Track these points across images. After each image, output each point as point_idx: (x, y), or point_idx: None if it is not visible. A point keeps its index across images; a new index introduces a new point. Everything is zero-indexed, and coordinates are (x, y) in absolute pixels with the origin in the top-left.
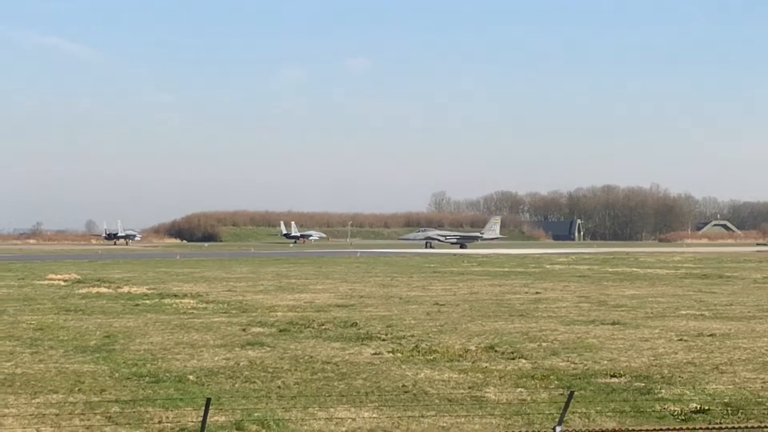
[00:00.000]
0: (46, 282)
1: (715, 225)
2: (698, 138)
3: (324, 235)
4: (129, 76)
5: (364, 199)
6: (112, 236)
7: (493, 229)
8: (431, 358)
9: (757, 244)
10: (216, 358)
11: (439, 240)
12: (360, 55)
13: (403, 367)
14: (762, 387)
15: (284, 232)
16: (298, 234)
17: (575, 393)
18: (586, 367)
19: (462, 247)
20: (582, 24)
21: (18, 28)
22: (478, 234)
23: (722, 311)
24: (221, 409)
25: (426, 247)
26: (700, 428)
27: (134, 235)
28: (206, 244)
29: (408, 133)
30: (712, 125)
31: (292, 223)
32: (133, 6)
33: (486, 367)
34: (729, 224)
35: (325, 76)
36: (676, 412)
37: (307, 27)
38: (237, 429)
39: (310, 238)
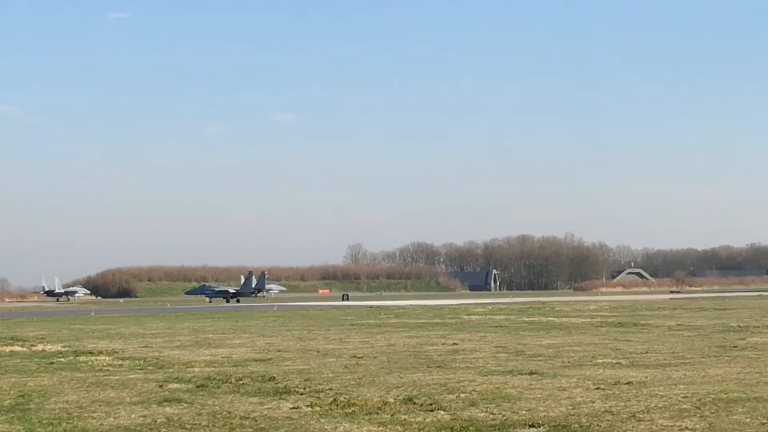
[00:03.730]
0: None
1: (629, 273)
2: (612, 187)
3: (284, 288)
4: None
5: (281, 253)
6: (51, 293)
7: (242, 283)
8: (350, 411)
9: (671, 292)
10: (133, 416)
11: (217, 295)
12: (283, 110)
13: (322, 420)
14: None
15: (255, 285)
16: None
17: None
18: (504, 418)
19: (233, 300)
20: (498, 77)
21: None
22: (227, 287)
23: (638, 359)
24: None
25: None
26: None
27: (75, 291)
28: (121, 299)
29: (325, 186)
30: (626, 174)
31: (252, 275)
32: (56, 63)
33: (405, 419)
34: (643, 272)
35: (248, 131)
36: None
37: (232, 82)
38: None
39: (271, 291)
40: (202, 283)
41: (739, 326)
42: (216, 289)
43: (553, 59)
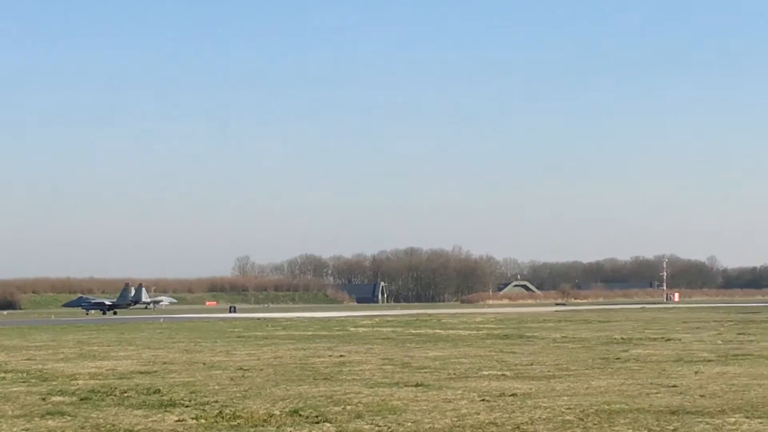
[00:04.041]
0: None
1: (515, 285)
2: (498, 200)
3: (175, 300)
4: None
5: (168, 265)
6: None
7: (119, 295)
8: (235, 423)
9: (557, 304)
10: (15, 429)
11: (93, 307)
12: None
13: None
14: None
15: (132, 297)
16: (149, 300)
17: None
18: (390, 430)
19: (110, 312)
20: (372, 88)
21: None
22: (103, 300)
23: (523, 371)
24: None
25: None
26: None
27: None
28: (5, 311)
29: (213, 195)
30: (508, 187)
31: (128, 286)
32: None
33: (290, 431)
34: (529, 285)
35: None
36: None
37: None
38: None
39: (161, 303)
40: (80, 295)
41: (622, 338)
42: (92, 301)
43: None
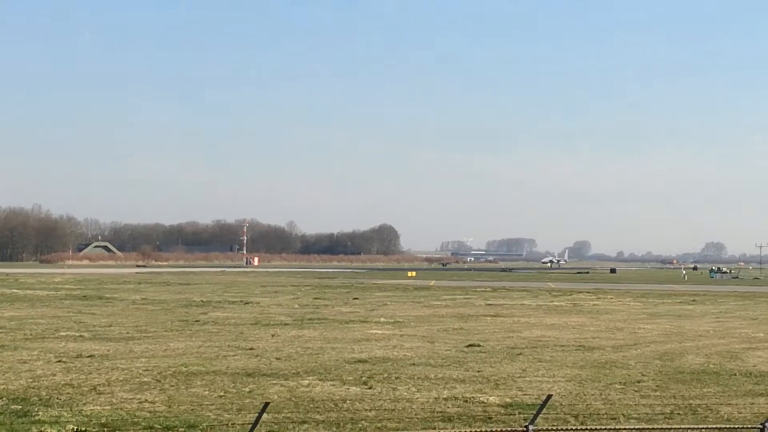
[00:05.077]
0: None
1: (96, 246)
2: (81, 158)
3: None
4: None
5: None
6: None
7: None
8: None
9: (138, 266)
10: None
11: None
12: None
13: None
14: (138, 407)
15: None
16: None
17: None
18: None
19: None
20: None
21: None
22: None
23: (102, 332)
24: None
25: None
26: None
27: None
28: None
29: None
30: (103, 147)
31: None
32: None
33: None
34: (110, 246)
35: None
36: None
37: None
38: None
39: None
40: None
41: (202, 301)
42: None
43: None
